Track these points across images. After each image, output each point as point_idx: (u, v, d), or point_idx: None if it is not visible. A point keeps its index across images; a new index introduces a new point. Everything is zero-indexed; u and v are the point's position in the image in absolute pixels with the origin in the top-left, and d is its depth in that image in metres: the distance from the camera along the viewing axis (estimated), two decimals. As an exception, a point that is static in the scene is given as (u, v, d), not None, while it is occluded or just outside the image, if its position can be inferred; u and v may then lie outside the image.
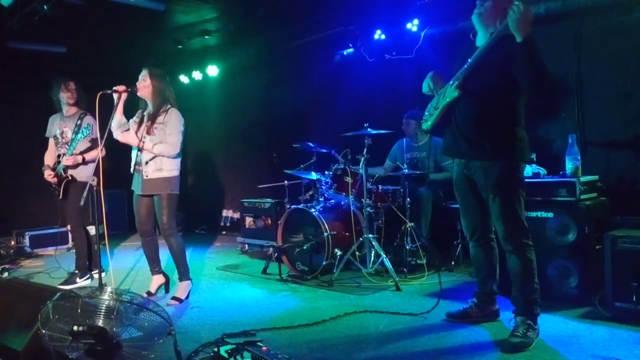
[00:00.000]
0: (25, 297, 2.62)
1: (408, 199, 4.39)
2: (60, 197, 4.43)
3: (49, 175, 4.43)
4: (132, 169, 3.85)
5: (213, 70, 6.99)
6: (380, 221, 4.54)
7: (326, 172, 4.61)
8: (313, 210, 4.40)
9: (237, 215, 7.19)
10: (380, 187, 4.49)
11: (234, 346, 2.49)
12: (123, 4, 4.73)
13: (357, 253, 4.33)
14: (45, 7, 4.53)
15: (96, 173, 3.43)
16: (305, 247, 4.38)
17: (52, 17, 4.60)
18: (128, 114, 3.89)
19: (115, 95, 3.67)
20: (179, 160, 3.82)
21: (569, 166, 3.45)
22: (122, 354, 2.14)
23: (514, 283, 2.85)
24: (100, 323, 2.12)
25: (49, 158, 4.56)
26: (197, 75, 7.24)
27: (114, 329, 2.14)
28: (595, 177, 3.59)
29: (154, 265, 4.01)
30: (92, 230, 4.60)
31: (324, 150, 4.82)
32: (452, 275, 4.28)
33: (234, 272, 4.85)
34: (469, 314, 3.13)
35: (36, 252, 6.14)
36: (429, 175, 4.71)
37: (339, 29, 5.68)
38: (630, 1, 3.92)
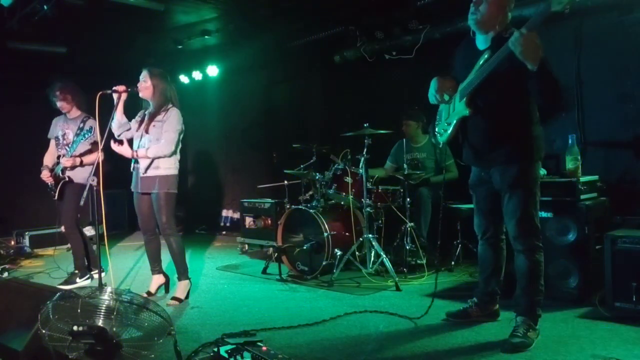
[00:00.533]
0: (25, 297, 2.62)
1: (408, 199, 4.39)
2: (56, 197, 4.43)
3: (46, 175, 4.44)
4: (131, 167, 3.86)
5: (213, 70, 6.98)
6: (380, 221, 4.54)
7: (326, 172, 4.61)
8: (313, 210, 4.40)
9: (237, 215, 7.19)
10: (380, 187, 4.49)
11: (234, 346, 2.49)
12: (123, 4, 4.73)
13: (357, 253, 4.33)
14: (45, 7, 4.53)
15: (96, 173, 3.43)
16: (305, 247, 4.38)
17: (52, 17, 4.60)
18: (129, 114, 3.89)
19: (115, 96, 3.68)
20: (176, 159, 3.81)
21: (569, 166, 3.45)
22: (122, 354, 2.14)
23: (519, 282, 2.84)
24: (100, 323, 2.12)
25: (48, 159, 4.57)
26: (197, 75, 7.24)
27: (114, 329, 2.14)
28: (595, 177, 3.59)
29: (155, 264, 4.01)
30: (92, 230, 4.60)
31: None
32: (452, 276, 4.28)
33: (234, 272, 4.85)
34: (469, 313, 3.12)
35: (36, 252, 6.14)
36: (429, 179, 4.71)
37: (339, 29, 5.68)
38: (630, 1, 3.92)
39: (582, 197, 3.36)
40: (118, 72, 5.27)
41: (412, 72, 5.31)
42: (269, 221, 5.53)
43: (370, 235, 4.23)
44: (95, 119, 4.44)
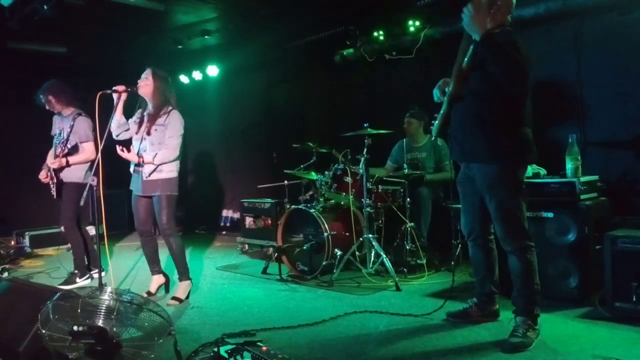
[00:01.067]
0: (25, 297, 2.62)
1: (408, 199, 4.40)
2: (55, 197, 4.43)
3: (43, 176, 4.44)
4: (132, 169, 3.85)
5: (213, 70, 6.98)
6: (380, 221, 4.54)
7: (326, 172, 4.61)
8: (313, 210, 4.40)
9: (237, 215, 7.19)
10: (380, 187, 4.49)
11: (234, 346, 2.49)
12: (123, 4, 4.73)
13: (357, 253, 4.33)
14: (45, 7, 4.53)
15: (96, 173, 3.43)
16: (305, 247, 4.38)
17: (52, 17, 4.60)
18: (128, 114, 3.89)
19: (115, 95, 3.67)
20: (178, 161, 3.82)
21: (569, 166, 3.45)
22: (122, 354, 2.14)
23: (514, 283, 2.85)
24: (100, 323, 2.12)
25: (50, 157, 4.57)
26: (197, 75, 7.24)
27: (114, 329, 2.14)
28: (595, 177, 3.59)
29: (154, 265, 4.01)
30: (92, 230, 4.60)
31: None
32: (452, 275, 4.27)
33: (234, 272, 4.85)
34: (469, 313, 3.13)
35: (36, 252, 6.14)
36: (426, 176, 4.71)
37: (339, 29, 5.68)
38: (630, 1, 3.92)
39: (582, 197, 3.36)
40: (118, 72, 5.26)
41: (412, 72, 5.31)
42: (269, 221, 5.53)
43: (370, 235, 4.23)
44: (87, 115, 4.46)
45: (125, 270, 4.99)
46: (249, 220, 5.78)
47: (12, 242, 6.28)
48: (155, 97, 3.74)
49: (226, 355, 2.41)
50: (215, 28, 5.87)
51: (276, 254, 4.60)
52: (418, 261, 4.36)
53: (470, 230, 3.05)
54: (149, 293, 3.92)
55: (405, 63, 5.33)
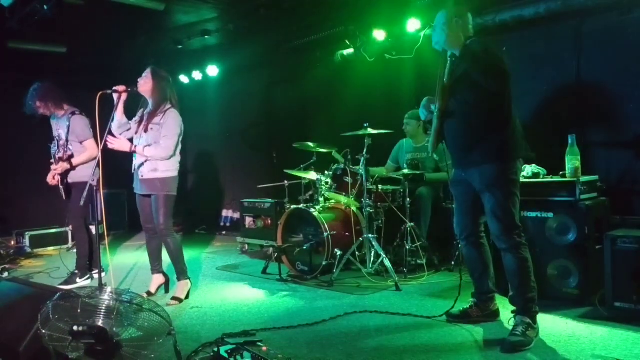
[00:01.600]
0: (25, 297, 2.62)
1: (408, 199, 4.40)
2: (64, 197, 4.44)
3: (50, 178, 4.43)
4: (132, 169, 3.87)
5: (213, 70, 6.98)
6: (380, 221, 4.54)
7: (326, 172, 4.61)
8: (313, 210, 4.40)
9: (237, 215, 7.19)
10: (380, 187, 4.49)
11: (234, 346, 2.49)
12: (123, 4, 4.73)
13: (357, 253, 4.33)
14: (45, 7, 4.53)
15: (96, 173, 3.44)
16: (305, 247, 4.38)
17: (52, 17, 4.60)
18: (130, 114, 3.90)
19: (115, 96, 3.68)
20: (175, 161, 3.80)
21: (569, 166, 3.45)
22: (122, 354, 2.14)
23: (511, 282, 2.88)
24: (100, 323, 2.13)
25: (54, 161, 4.56)
26: (197, 75, 7.24)
27: (114, 329, 2.14)
28: (595, 177, 3.59)
29: (156, 263, 4.01)
30: (92, 230, 4.60)
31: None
32: (452, 275, 4.28)
33: (234, 272, 4.85)
34: (468, 314, 3.13)
35: (36, 252, 6.14)
36: (425, 175, 4.71)
37: (339, 29, 5.68)
38: (631, 1, 3.92)
39: (582, 197, 3.36)
40: (118, 72, 5.27)
41: (412, 72, 5.31)
42: (269, 221, 5.53)
43: (370, 235, 4.23)
44: (81, 113, 4.44)
45: (125, 270, 4.99)
46: (249, 220, 5.78)
47: (12, 242, 6.28)
48: (154, 95, 3.75)
49: (226, 355, 2.41)
50: (215, 28, 5.87)
51: (276, 254, 4.60)
52: (418, 261, 4.36)
53: (463, 229, 3.09)
54: (148, 293, 3.92)
55: (405, 63, 5.33)
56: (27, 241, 6.18)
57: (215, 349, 2.51)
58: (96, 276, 4.22)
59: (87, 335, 2.08)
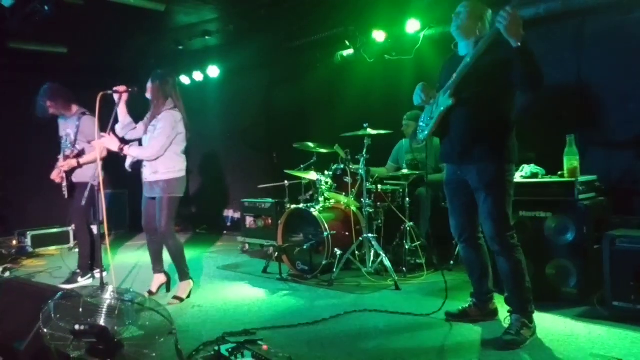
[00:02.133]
0: (26, 296, 2.64)
1: (407, 199, 4.40)
2: (67, 196, 4.45)
3: (56, 175, 4.44)
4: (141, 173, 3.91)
5: (214, 71, 6.99)
6: (379, 221, 4.55)
7: (326, 172, 4.62)
8: (313, 210, 4.42)
9: (237, 215, 7.20)
10: (379, 187, 4.50)
11: (234, 345, 2.50)
12: (123, 4, 4.74)
13: (356, 253, 4.35)
14: (45, 7, 4.54)
15: (98, 173, 3.45)
16: (305, 247, 4.40)
17: (52, 17, 4.61)
18: (133, 114, 3.92)
19: (115, 96, 3.69)
20: (177, 161, 3.78)
21: (568, 166, 3.46)
22: (123, 353, 2.15)
23: (506, 284, 2.89)
24: (101, 322, 2.14)
25: (60, 160, 4.58)
26: (197, 76, 7.25)
27: (116, 328, 2.15)
28: (594, 177, 3.60)
29: (157, 263, 4.02)
30: (93, 229, 4.61)
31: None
32: (451, 275, 4.29)
33: (235, 272, 4.87)
34: (468, 313, 3.14)
35: (38, 252, 6.15)
36: (427, 177, 4.72)
37: (339, 29, 5.69)
38: (630, 1, 3.92)
39: (581, 197, 3.37)
40: (118, 72, 5.28)
41: (412, 72, 5.32)
42: (270, 221, 5.55)
43: (369, 235, 4.24)
44: (90, 114, 4.47)
45: (127, 269, 5.00)
46: (249, 220, 5.80)
47: (14, 242, 6.28)
48: (153, 97, 3.79)
49: (227, 354, 2.43)
50: (215, 29, 5.88)
51: (276, 253, 4.62)
52: (417, 261, 4.38)
53: (462, 231, 3.07)
54: (150, 292, 3.93)
55: (405, 63, 5.34)
56: (28, 241, 6.19)
57: (216, 348, 2.53)
58: (98, 275, 4.23)
59: (88, 335, 2.09)
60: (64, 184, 4.42)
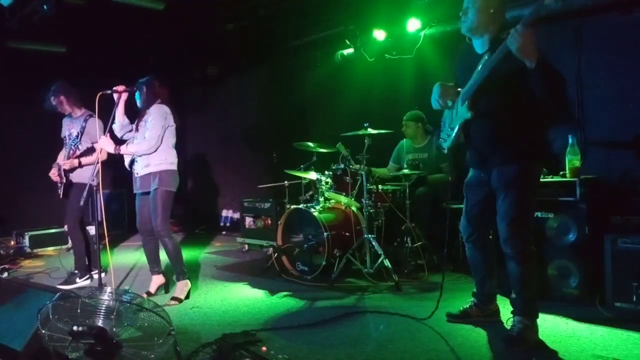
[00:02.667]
0: (24, 297, 2.62)
1: (408, 199, 4.39)
2: (61, 196, 4.44)
3: (54, 174, 4.44)
4: (131, 170, 3.88)
5: (213, 71, 6.98)
6: (380, 221, 4.54)
7: (326, 172, 4.61)
8: (313, 210, 4.40)
9: (237, 215, 7.20)
10: (380, 187, 4.49)
11: (233, 346, 2.48)
12: (123, 3, 4.73)
13: (357, 253, 4.33)
14: (45, 7, 4.54)
15: (97, 174, 3.44)
16: (305, 247, 4.38)
17: (52, 17, 4.61)
18: (132, 114, 3.91)
19: (115, 96, 3.68)
20: (168, 154, 3.77)
21: (569, 166, 3.45)
22: (121, 354, 2.13)
23: (513, 286, 2.83)
24: (99, 323, 2.12)
25: (61, 157, 4.57)
26: (197, 75, 7.24)
27: (114, 329, 2.14)
28: (596, 177, 3.59)
29: (154, 265, 4.01)
30: (92, 230, 4.60)
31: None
32: (452, 275, 4.28)
33: (234, 272, 4.85)
34: (469, 314, 3.12)
35: (36, 252, 6.14)
36: (427, 177, 4.71)
37: (339, 28, 5.68)
38: (630, 1, 3.92)
39: (583, 197, 3.36)
40: (118, 72, 5.27)
41: (412, 72, 5.31)
42: (269, 221, 5.53)
43: (370, 235, 4.23)
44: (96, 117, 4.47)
45: (125, 270, 4.99)
46: (249, 220, 5.78)
47: (12, 242, 6.28)
48: (143, 102, 3.80)
49: (226, 356, 2.41)
50: (215, 28, 5.87)
51: (276, 254, 4.60)
52: (418, 261, 4.36)
53: (472, 231, 3.02)
54: (148, 293, 3.92)
55: (405, 63, 5.33)
56: (26, 241, 6.18)
57: (215, 349, 2.51)
58: (96, 276, 4.22)
59: (86, 336, 2.08)
60: (60, 182, 4.41)
